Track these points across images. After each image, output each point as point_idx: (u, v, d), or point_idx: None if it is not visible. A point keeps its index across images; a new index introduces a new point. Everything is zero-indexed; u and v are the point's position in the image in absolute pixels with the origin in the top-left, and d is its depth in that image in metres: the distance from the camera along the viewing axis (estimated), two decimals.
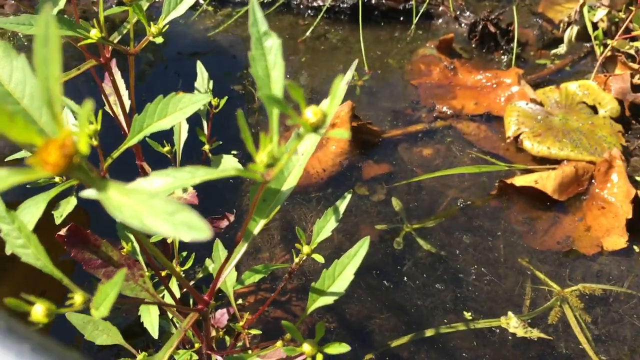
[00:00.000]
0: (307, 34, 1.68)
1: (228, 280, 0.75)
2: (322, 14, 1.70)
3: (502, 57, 1.62)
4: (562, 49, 1.47)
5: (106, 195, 0.26)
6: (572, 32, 1.41)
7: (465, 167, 1.22)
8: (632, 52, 1.40)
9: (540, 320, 1.07)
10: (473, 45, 1.66)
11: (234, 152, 1.12)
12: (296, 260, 0.66)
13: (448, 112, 1.42)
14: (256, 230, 0.52)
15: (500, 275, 1.14)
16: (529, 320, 1.06)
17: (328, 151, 1.31)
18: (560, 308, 1.08)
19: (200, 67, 0.89)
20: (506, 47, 1.62)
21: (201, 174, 0.34)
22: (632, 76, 1.35)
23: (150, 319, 0.66)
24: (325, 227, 0.63)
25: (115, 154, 0.51)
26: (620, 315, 1.09)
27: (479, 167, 1.19)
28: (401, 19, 1.75)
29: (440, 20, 1.75)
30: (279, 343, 0.49)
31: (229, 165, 0.75)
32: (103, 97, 0.72)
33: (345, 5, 1.71)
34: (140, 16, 0.56)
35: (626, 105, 1.36)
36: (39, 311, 0.34)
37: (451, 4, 1.72)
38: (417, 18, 1.72)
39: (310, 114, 0.33)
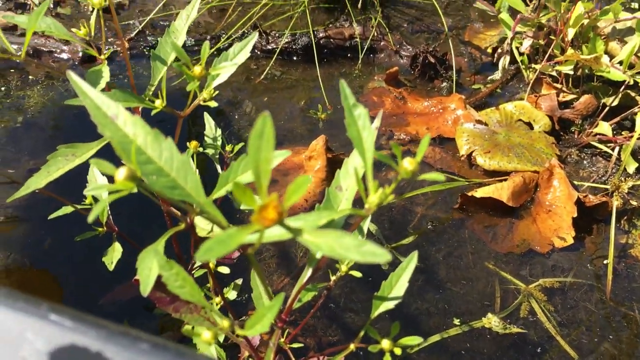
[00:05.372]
0: (264, 75, 1.80)
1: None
2: (275, 55, 1.83)
3: (442, 84, 1.81)
4: (497, 75, 1.68)
5: (303, 237, 0.37)
6: (504, 61, 1.62)
7: (431, 187, 1.37)
8: (554, 74, 1.62)
9: (512, 315, 1.22)
10: (415, 75, 1.84)
11: None
12: (333, 278, 0.77)
13: (405, 138, 1.57)
14: (318, 255, 0.63)
15: (472, 279, 1.29)
16: (506, 318, 1.21)
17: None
18: (528, 302, 1.24)
19: (207, 117, 0.99)
20: (445, 75, 1.81)
21: (325, 214, 0.45)
22: (558, 95, 1.57)
23: (208, 349, 0.75)
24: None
25: (214, 196, 0.60)
26: (575, 302, 1.27)
27: (443, 184, 1.35)
28: (348, 55, 1.91)
29: (382, 54, 1.92)
30: (352, 345, 0.60)
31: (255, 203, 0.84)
32: None
33: (297, 47, 1.84)
34: (193, 87, 0.67)
35: (555, 120, 1.57)
36: (207, 336, 0.44)
37: (391, 39, 1.90)
38: (363, 54, 1.88)
39: (407, 163, 0.45)
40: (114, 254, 0.80)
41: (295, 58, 1.87)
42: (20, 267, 1.12)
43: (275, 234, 0.40)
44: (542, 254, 1.34)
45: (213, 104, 0.71)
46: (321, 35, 1.87)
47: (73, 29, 0.83)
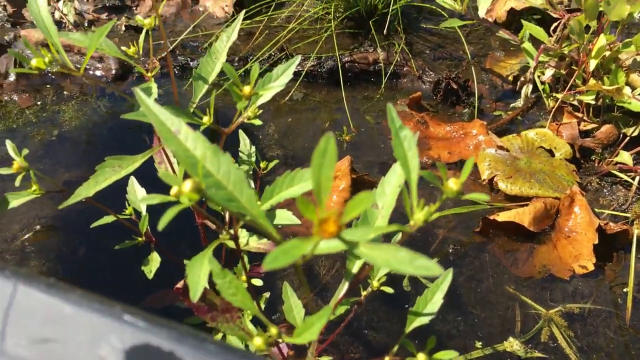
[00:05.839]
0: (288, 97, 1.85)
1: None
2: (301, 78, 1.88)
3: (463, 110, 1.84)
4: (519, 102, 1.71)
5: (359, 250, 0.40)
6: (527, 89, 1.65)
7: (455, 209, 1.39)
8: (575, 103, 1.65)
9: (533, 339, 1.23)
10: (437, 101, 1.87)
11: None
12: (364, 293, 0.80)
13: (427, 162, 1.60)
14: (355, 269, 0.66)
15: (492, 302, 1.31)
16: (527, 342, 1.22)
17: (331, 201, 1.45)
18: (548, 327, 1.25)
19: (242, 135, 1.03)
20: (467, 101, 1.84)
21: (372, 230, 0.48)
22: (579, 124, 1.60)
23: None
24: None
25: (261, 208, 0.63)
26: (595, 328, 1.28)
27: (467, 207, 1.37)
28: (371, 79, 1.95)
29: (405, 80, 1.96)
30: (387, 358, 0.62)
31: (289, 219, 0.88)
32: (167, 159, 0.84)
33: (322, 70, 1.89)
34: (242, 106, 0.70)
35: (576, 148, 1.60)
36: (259, 342, 0.47)
37: (414, 64, 1.94)
38: (386, 78, 1.93)
39: (452, 183, 0.48)
40: (153, 263, 0.83)
41: (320, 81, 1.92)
42: (54, 275, 1.16)
43: (332, 245, 0.43)
44: (563, 280, 1.35)
45: (257, 122, 0.75)
46: (346, 59, 1.92)
47: (123, 47, 0.88)
